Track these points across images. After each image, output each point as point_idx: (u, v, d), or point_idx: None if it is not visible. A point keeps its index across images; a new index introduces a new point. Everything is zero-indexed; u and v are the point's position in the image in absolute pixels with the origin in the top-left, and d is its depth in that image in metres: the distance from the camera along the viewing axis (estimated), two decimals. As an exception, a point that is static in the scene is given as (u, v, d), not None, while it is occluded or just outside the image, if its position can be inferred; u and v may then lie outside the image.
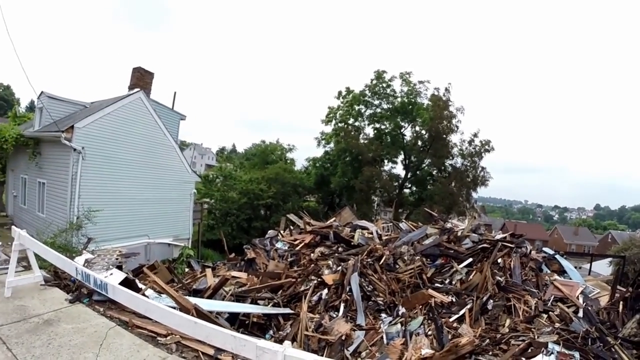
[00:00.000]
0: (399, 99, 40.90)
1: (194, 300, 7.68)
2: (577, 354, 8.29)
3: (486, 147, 39.29)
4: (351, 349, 8.31)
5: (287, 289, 10.48)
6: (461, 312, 9.88)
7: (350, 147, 39.09)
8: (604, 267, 40.12)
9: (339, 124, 42.43)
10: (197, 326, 4.17)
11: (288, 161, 45.67)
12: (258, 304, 9.58)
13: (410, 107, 40.41)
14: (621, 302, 11.14)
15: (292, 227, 16.11)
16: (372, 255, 11.79)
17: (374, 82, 41.07)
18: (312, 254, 12.69)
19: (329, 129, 43.57)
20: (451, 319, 9.61)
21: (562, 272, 13.13)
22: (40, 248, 6.68)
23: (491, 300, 10.32)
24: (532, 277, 11.96)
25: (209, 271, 11.90)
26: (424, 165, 41.57)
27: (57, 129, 16.81)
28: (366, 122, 42.33)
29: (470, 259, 12.10)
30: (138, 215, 19.72)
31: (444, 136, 38.71)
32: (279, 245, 14.01)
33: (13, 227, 7.18)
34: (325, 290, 10.35)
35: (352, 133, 40.64)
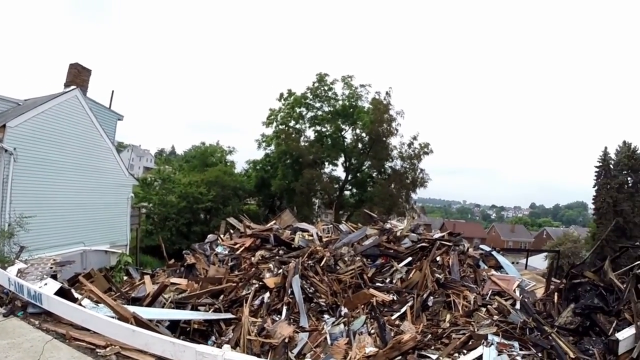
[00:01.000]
0: (340, 102, 41.10)
1: (132, 308, 7.48)
2: (516, 344, 8.66)
3: (425, 149, 40.01)
4: (295, 351, 8.35)
5: (228, 294, 10.40)
6: (403, 310, 10.11)
7: (291, 150, 38.96)
8: (540, 262, 41.87)
9: (280, 126, 42.07)
10: (135, 334, 4.13)
11: (228, 164, 44.87)
12: (199, 310, 9.47)
13: (351, 110, 40.80)
14: (556, 293, 11.67)
15: (232, 231, 15.96)
16: (313, 257, 11.83)
17: (316, 84, 41.03)
18: (252, 258, 12.64)
19: (269, 131, 43.22)
20: (393, 317, 9.83)
21: (498, 267, 13.59)
22: (-33, 259, 6.42)
23: (431, 297, 10.58)
24: (470, 273, 12.31)
25: (147, 278, 11.70)
26: (364, 167, 42.00)
27: (-14, 128, 15.80)
28: (307, 125, 42.18)
29: (410, 258, 12.39)
30: (73, 221, 18.70)
31: (384, 139, 39.19)
32: (219, 249, 13.87)
33: None
34: (267, 294, 10.35)
35: (293, 135, 40.49)
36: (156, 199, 35.76)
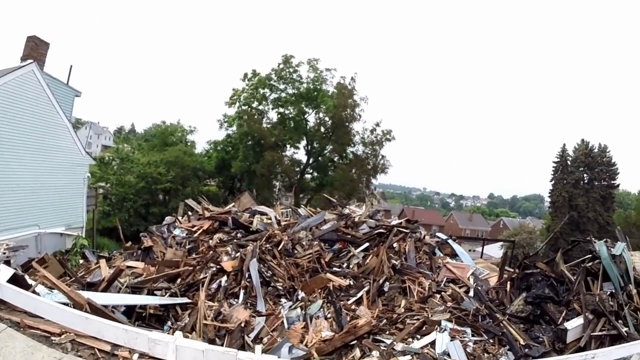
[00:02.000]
0: (305, 85, 40.87)
1: (87, 294, 7.32)
2: (468, 330, 8.97)
3: (387, 136, 40.56)
4: (252, 335, 8.41)
5: (185, 278, 10.31)
6: (359, 295, 10.29)
7: (253, 131, 38.72)
8: (496, 251, 42.91)
9: (243, 107, 41.65)
10: (88, 322, 4.12)
11: (189, 143, 44.18)
12: (155, 295, 9.38)
13: (316, 93, 40.61)
14: (509, 282, 12.08)
15: (190, 213, 15.80)
16: (271, 240, 11.84)
17: (281, 66, 40.65)
18: (210, 241, 12.56)
19: (232, 111, 42.63)
20: (349, 302, 9.99)
21: (454, 255, 13.89)
22: None
23: (387, 283, 10.80)
24: (426, 260, 12.58)
25: (103, 262, 11.52)
26: (326, 151, 42.09)
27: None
28: (270, 106, 41.97)
29: (367, 244, 12.57)
30: (26, 203, 17.96)
31: (347, 124, 39.49)
32: (176, 232, 13.72)
33: None
34: (225, 278, 10.33)
35: (256, 117, 40.28)
36: (114, 179, 34.97)
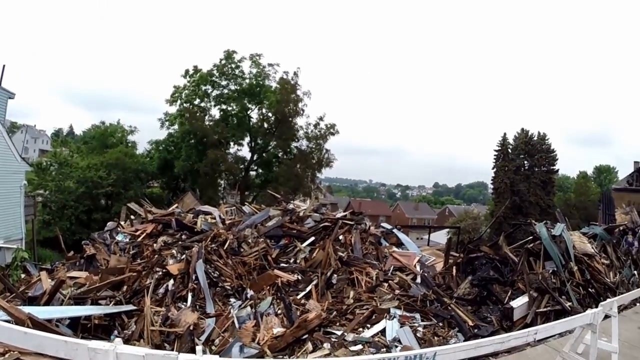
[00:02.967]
0: (247, 81, 40.44)
1: (28, 309, 7.09)
2: (417, 316, 9.12)
3: (331, 130, 40.88)
4: (203, 338, 8.24)
5: (132, 284, 10.02)
6: (308, 289, 10.31)
7: (195, 129, 37.95)
8: (442, 237, 43.83)
9: (184, 105, 40.72)
10: (27, 337, 3.96)
11: (129, 144, 42.79)
12: (100, 304, 9.12)
13: (258, 89, 40.25)
14: (454, 267, 12.43)
15: (133, 217, 15.36)
16: (216, 240, 11.69)
17: (223, 62, 40.11)
18: (155, 244, 12.24)
19: (173, 109, 41.77)
20: (299, 296, 10.01)
21: (399, 244, 14.15)
22: None
23: (335, 275, 10.87)
24: (372, 250, 12.74)
25: (44, 274, 11.03)
26: (270, 147, 41.92)
27: None
28: (212, 103, 41.25)
29: (313, 238, 12.55)
30: None
31: (290, 119, 39.41)
32: (119, 237, 13.33)
33: None
34: (172, 281, 10.08)
35: (198, 114, 39.42)
36: (52, 186, 33.47)
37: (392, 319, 8.75)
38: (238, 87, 40.52)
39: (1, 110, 20.74)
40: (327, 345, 7.81)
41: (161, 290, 9.89)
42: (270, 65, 40.70)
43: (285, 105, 38.35)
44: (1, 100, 21.09)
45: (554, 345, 8.41)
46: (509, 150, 55.94)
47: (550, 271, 11.78)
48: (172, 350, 7.56)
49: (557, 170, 58.18)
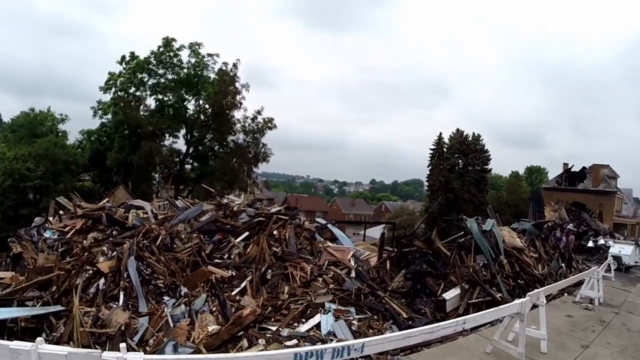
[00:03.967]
0: (185, 71, 39.14)
1: None
2: (352, 309, 9.25)
3: (269, 124, 40.22)
4: (136, 338, 8.05)
5: (61, 284, 9.59)
6: (242, 285, 10.22)
7: (129, 119, 36.18)
8: (379, 233, 44.99)
9: (119, 93, 38.62)
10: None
11: (60, 134, 40.02)
12: (26, 306, 8.74)
13: (196, 79, 39.09)
14: (388, 261, 12.72)
15: (62, 212, 14.68)
16: (148, 236, 11.43)
17: (162, 49, 38.44)
18: (84, 241, 11.79)
19: (108, 97, 39.46)
20: (233, 293, 9.90)
21: (334, 239, 14.33)
22: None
23: (270, 271, 10.80)
24: (307, 245, 12.84)
25: (-36, 277, 10.52)
26: (206, 140, 40.90)
27: None
28: (148, 93, 39.35)
29: (247, 233, 12.48)
30: None
31: (227, 112, 38.65)
32: (47, 234, 12.72)
33: None
34: (102, 280, 9.72)
35: (132, 104, 37.56)
36: (-25, 179, 31.27)
37: (327, 313, 8.83)
38: (175, 77, 39.05)
39: None
40: (262, 341, 7.79)
41: (92, 290, 9.53)
42: (209, 55, 39.69)
43: (223, 97, 37.58)
44: None
45: (485, 334, 8.77)
46: (444, 150, 57.99)
47: (481, 264, 12.27)
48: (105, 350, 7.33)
49: (490, 170, 61.04)
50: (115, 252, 10.63)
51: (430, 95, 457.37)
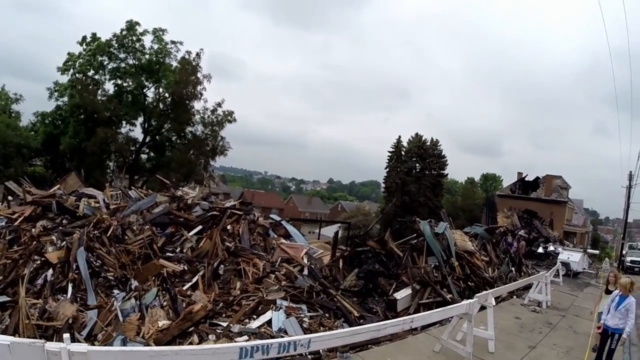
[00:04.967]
0: (147, 56, 38.05)
1: None
2: (304, 307, 9.34)
3: (228, 117, 39.68)
4: (84, 332, 7.89)
5: (8, 274, 9.30)
6: (194, 280, 10.18)
7: (86, 104, 34.76)
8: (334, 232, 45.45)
9: (77, 75, 36.89)
10: None
11: (13, 114, 38.19)
12: (-30, 297, 8.45)
13: (158, 66, 38.01)
14: (341, 260, 12.88)
15: (11, 198, 14.28)
16: (99, 226, 11.14)
17: (124, 32, 37.22)
18: (33, 229, 11.29)
19: (65, 79, 37.68)
20: (185, 287, 9.82)
21: (288, 236, 14.38)
22: None
23: (222, 266, 10.82)
24: (260, 241, 12.85)
25: None
26: (164, 130, 40.00)
27: None
28: (107, 77, 37.87)
29: (201, 227, 12.41)
30: None
31: (187, 102, 37.97)
32: (-6, 221, 12.37)
33: None
34: (51, 271, 9.46)
35: (90, 87, 36.08)
36: None
37: (279, 310, 8.89)
38: (137, 62, 37.96)
39: None
40: (212, 337, 7.79)
41: (39, 281, 9.28)
42: (173, 42, 38.74)
43: (183, 86, 36.78)
44: None
45: (435, 333, 9.06)
46: (403, 153, 59.37)
47: (433, 266, 12.57)
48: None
49: (447, 175, 62.68)
50: (64, 242, 10.35)
51: (393, 98, 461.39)
